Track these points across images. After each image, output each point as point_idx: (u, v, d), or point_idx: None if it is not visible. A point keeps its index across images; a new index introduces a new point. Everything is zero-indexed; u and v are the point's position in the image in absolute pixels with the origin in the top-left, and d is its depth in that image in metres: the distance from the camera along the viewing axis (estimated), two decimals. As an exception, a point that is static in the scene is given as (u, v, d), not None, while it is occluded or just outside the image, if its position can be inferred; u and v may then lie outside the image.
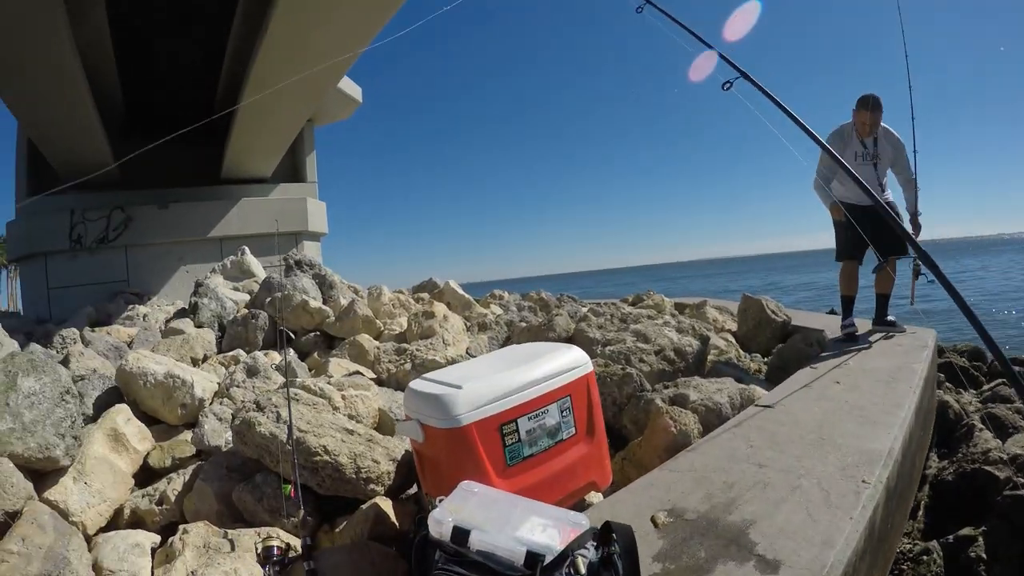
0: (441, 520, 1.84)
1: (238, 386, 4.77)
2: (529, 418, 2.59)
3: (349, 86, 16.53)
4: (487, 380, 2.59)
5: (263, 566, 2.33)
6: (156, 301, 11.18)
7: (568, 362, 2.82)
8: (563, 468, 2.68)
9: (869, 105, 5.38)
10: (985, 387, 8.17)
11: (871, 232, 4.99)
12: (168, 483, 3.57)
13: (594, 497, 3.04)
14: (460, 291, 7.80)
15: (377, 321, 6.49)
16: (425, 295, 8.11)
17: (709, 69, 3.96)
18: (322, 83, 11.72)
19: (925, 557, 3.99)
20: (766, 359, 5.73)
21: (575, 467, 2.73)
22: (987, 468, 4.59)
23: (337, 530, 2.96)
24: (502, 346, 6.09)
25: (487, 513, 1.92)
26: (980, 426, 5.75)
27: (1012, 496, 4.11)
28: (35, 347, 6.01)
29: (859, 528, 2.24)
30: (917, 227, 5.70)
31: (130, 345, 6.34)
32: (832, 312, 9.20)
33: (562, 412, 2.71)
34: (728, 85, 3.80)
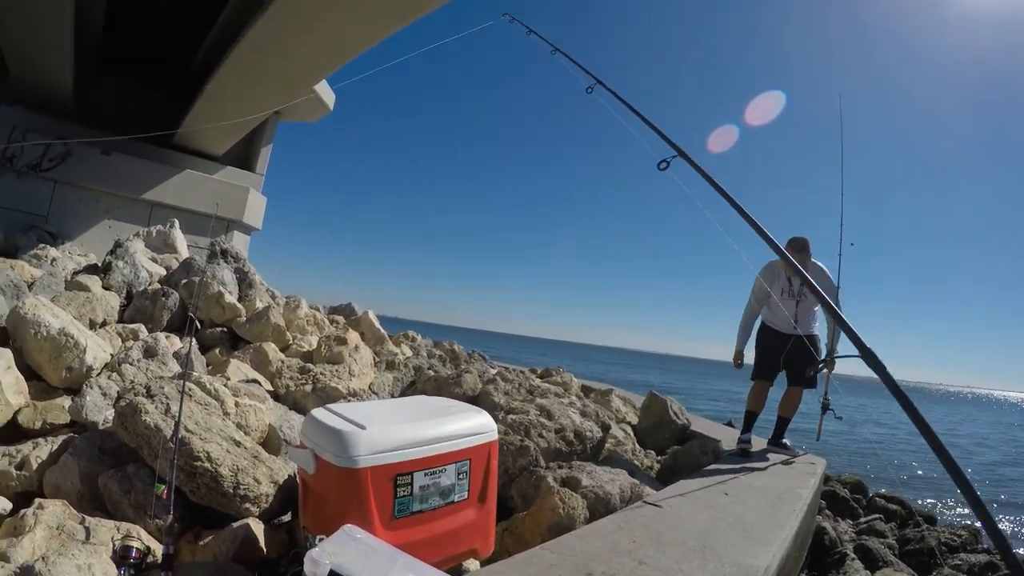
0: (318, 561, 1.80)
1: (132, 363, 4.60)
2: (426, 474, 2.57)
3: (325, 91, 16.32)
4: (392, 427, 2.56)
5: (118, 566, 2.22)
6: (70, 248, 10.63)
7: (475, 426, 2.82)
8: (449, 530, 2.66)
9: (796, 246, 5.53)
10: (862, 519, 8.49)
11: (785, 359, 5.44)
12: (34, 448, 3.41)
13: (472, 564, 3.00)
14: (377, 324, 7.65)
15: (288, 333, 6.37)
16: (340, 319, 7.97)
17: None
18: (310, 75, 11.52)
19: None
20: (660, 458, 5.78)
21: (460, 531, 2.71)
22: None
23: (202, 543, 2.86)
24: (405, 390, 6.02)
25: (366, 562, 1.89)
26: (852, 555, 5.98)
27: None
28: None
29: (732, 640, 2.25)
30: (831, 364, 5.89)
31: (30, 287, 6.00)
32: (730, 424, 9.43)
33: (459, 474, 2.69)
34: (665, 164, 3.81)
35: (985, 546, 8.91)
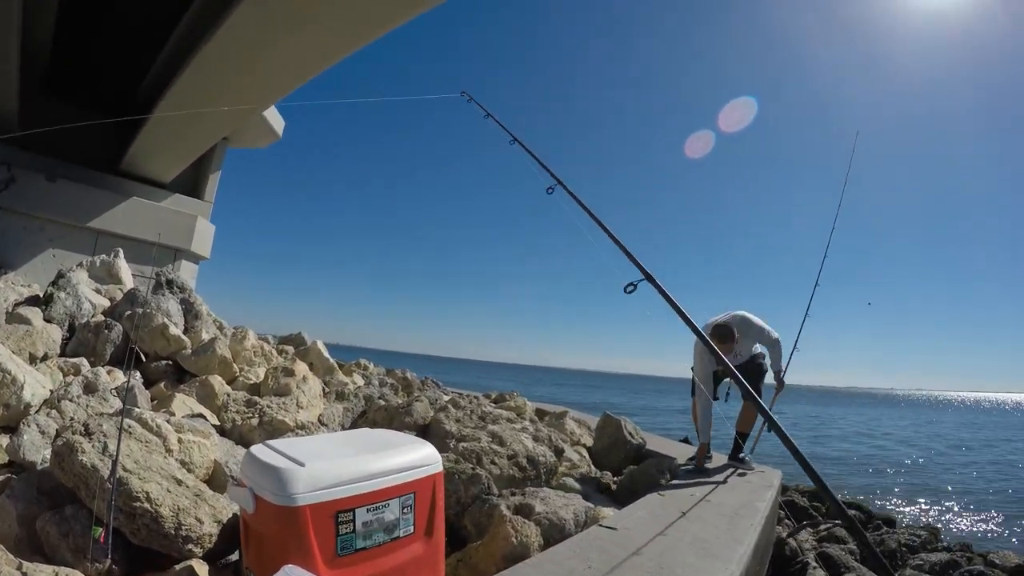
0: (260, 601, 1.73)
1: (71, 400, 4.46)
2: (368, 510, 2.50)
3: (274, 117, 16.20)
4: (332, 462, 2.49)
5: (57, 612, 2.11)
6: (12, 278, 10.36)
7: (418, 459, 2.76)
8: (394, 566, 2.60)
9: (720, 336, 5.65)
10: (822, 526, 8.57)
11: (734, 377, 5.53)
12: (-32, 489, 3.24)
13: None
14: (326, 354, 7.53)
15: (235, 365, 6.24)
16: (290, 349, 7.84)
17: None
18: (258, 101, 11.40)
19: None
20: (616, 479, 5.76)
21: (407, 567, 2.65)
22: None
23: (143, 587, 2.74)
24: (356, 420, 5.92)
25: (308, 602, 1.82)
26: (814, 564, 6.02)
27: None
28: None
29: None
30: (780, 384, 6.15)
31: (-33, 319, 5.82)
32: (686, 441, 9.48)
33: (403, 509, 2.63)
34: (632, 288, 3.73)
35: (944, 544, 9.08)
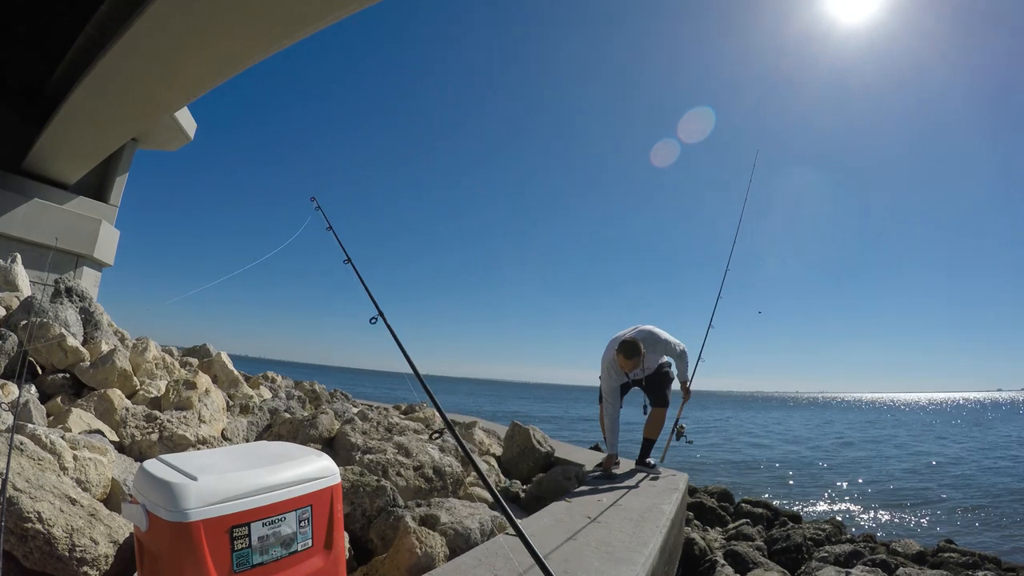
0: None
1: (-39, 417, 4.22)
2: (264, 524, 2.45)
3: (186, 118, 15.73)
4: (225, 476, 2.44)
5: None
6: (-100, 286, 9.77)
7: (314, 471, 2.71)
8: None
9: (626, 353, 5.80)
10: (730, 525, 8.81)
11: (644, 386, 6.13)
12: None
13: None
14: (230, 366, 7.35)
15: (135, 378, 6.03)
16: (194, 360, 7.63)
17: None
18: (166, 103, 11.07)
19: None
20: (526, 487, 5.82)
21: None
22: None
23: (40, 611, 2.65)
24: (261, 434, 5.83)
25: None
26: (723, 562, 6.20)
27: None
28: None
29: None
30: (687, 393, 6.38)
31: None
32: (596, 448, 9.62)
33: (300, 522, 2.59)
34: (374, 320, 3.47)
35: (849, 536, 9.47)
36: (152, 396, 5.96)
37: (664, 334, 6.14)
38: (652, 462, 6.43)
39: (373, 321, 3.24)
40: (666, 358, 6.29)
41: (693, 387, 6.32)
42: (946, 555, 8.57)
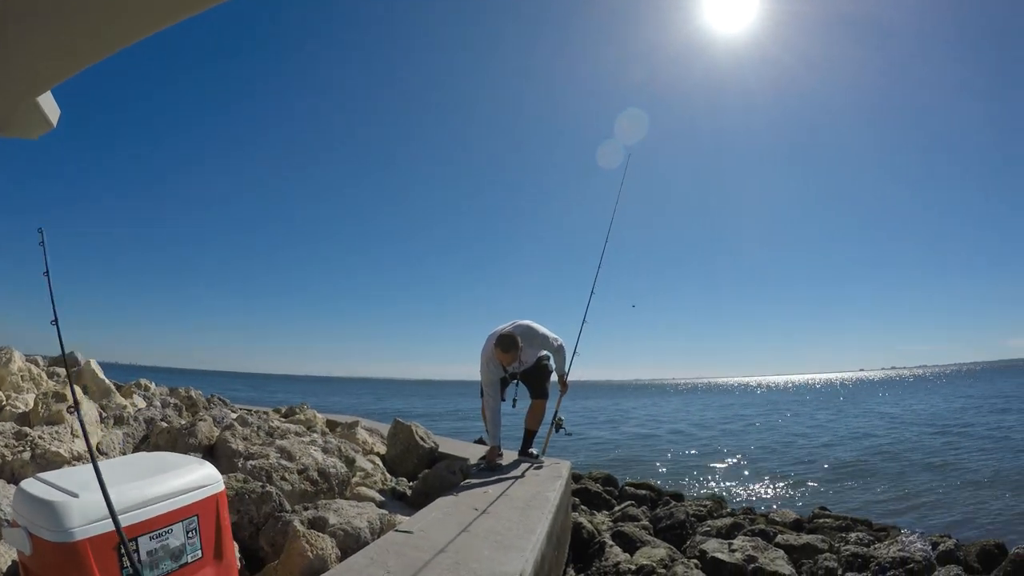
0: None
1: None
2: (151, 537, 2.41)
3: (49, 104, 14.66)
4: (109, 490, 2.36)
5: None
6: None
7: (198, 479, 2.68)
8: None
9: (503, 347, 5.93)
10: (616, 508, 9.08)
11: (523, 379, 6.26)
12: None
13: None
14: (101, 374, 6.94)
15: (0, 392, 5.65)
16: (61, 371, 7.15)
17: None
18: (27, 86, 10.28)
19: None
20: (412, 484, 5.85)
21: None
22: None
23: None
24: (139, 445, 5.59)
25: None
26: (611, 543, 6.40)
27: None
28: None
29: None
30: (565, 385, 6.55)
31: None
32: (480, 441, 9.73)
33: (188, 533, 2.55)
34: None
35: (729, 510, 9.92)
36: (20, 411, 5.58)
37: (542, 328, 6.28)
38: (535, 452, 6.57)
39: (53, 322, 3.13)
40: (544, 352, 6.43)
41: (572, 378, 6.49)
42: (821, 521, 9.05)
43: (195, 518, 2.59)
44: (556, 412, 6.62)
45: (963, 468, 16.51)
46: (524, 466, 6.11)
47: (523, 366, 6.31)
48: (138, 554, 2.36)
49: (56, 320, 2.74)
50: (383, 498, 5.06)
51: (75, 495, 2.28)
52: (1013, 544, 7.05)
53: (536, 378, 6.44)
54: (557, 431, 6.57)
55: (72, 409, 5.28)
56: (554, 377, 6.52)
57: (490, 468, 5.99)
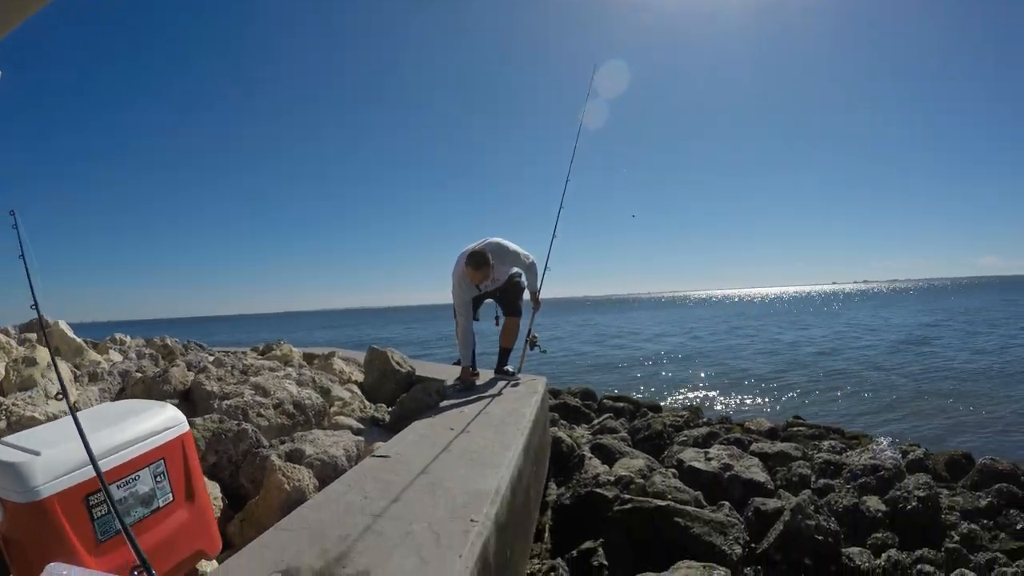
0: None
1: None
2: (119, 486, 2.40)
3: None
4: (69, 444, 2.33)
5: None
6: None
7: (160, 423, 2.65)
8: (164, 539, 2.52)
9: (475, 264, 5.91)
10: (595, 421, 9.31)
11: (496, 297, 6.35)
12: None
13: (207, 566, 2.93)
14: (71, 333, 6.86)
15: (-30, 365, 5.58)
16: (32, 335, 7.11)
17: None
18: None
19: (552, 574, 4.39)
20: (390, 409, 5.93)
21: (177, 537, 2.58)
22: (598, 490, 5.27)
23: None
24: (115, 399, 5.59)
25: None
26: (590, 455, 6.60)
27: (620, 511, 4.80)
28: None
29: (469, 564, 2.41)
30: (537, 302, 6.61)
31: None
32: (458, 363, 9.93)
33: (156, 477, 2.55)
34: None
35: (705, 420, 10.23)
36: (-9, 382, 5.53)
37: (512, 245, 6.28)
38: (510, 369, 6.73)
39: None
40: (516, 269, 6.46)
41: (548, 295, 6.55)
42: (795, 429, 9.39)
43: (162, 462, 2.59)
44: (530, 330, 6.66)
45: (930, 381, 17.21)
46: (500, 384, 6.20)
47: (496, 284, 6.33)
48: (110, 502, 2.37)
49: (36, 304, 2.74)
50: (361, 426, 5.12)
51: (37, 453, 2.26)
52: (980, 454, 7.43)
53: (509, 296, 6.54)
54: (532, 348, 6.64)
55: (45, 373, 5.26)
56: (527, 295, 6.57)
57: (466, 388, 6.08)
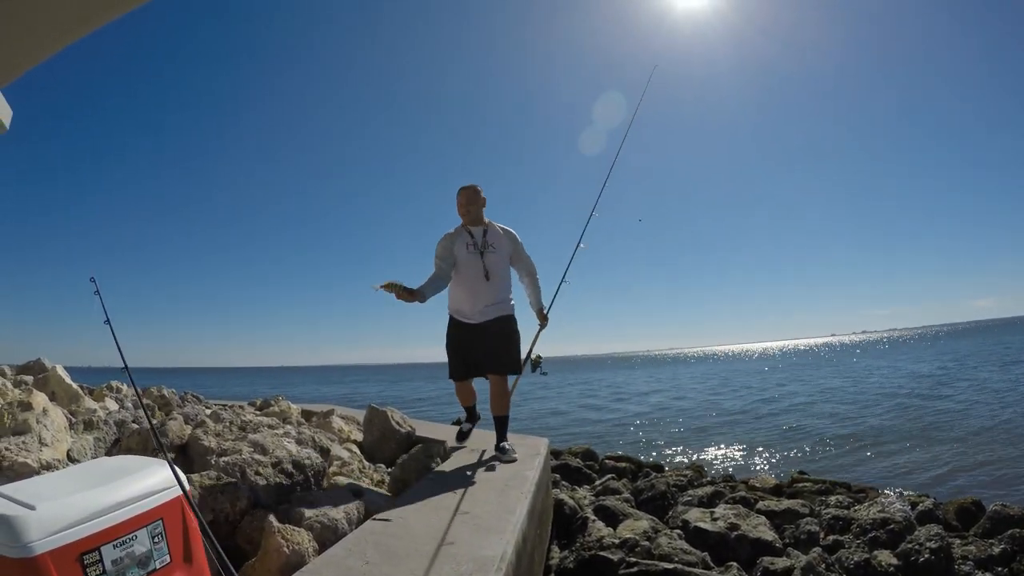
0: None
1: None
2: (115, 545, 2.33)
3: (0, 105, 14.23)
4: (65, 500, 2.28)
5: None
6: None
7: (160, 482, 2.58)
8: None
9: (466, 197, 5.45)
10: (597, 482, 9.15)
11: (484, 349, 5.50)
12: None
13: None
14: (67, 379, 6.73)
15: (-36, 407, 5.49)
16: (29, 379, 6.97)
17: None
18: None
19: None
20: (390, 470, 5.78)
21: None
22: (602, 554, 5.17)
23: None
24: (111, 449, 5.49)
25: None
26: (593, 517, 6.44)
27: (626, 574, 4.65)
28: None
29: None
30: (544, 320, 5.91)
31: None
32: (458, 423, 9.83)
33: (153, 538, 2.47)
34: None
35: (709, 479, 10.06)
36: (-16, 424, 5.42)
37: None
38: (507, 446, 5.64)
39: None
40: (512, 303, 5.70)
41: (548, 352, 6.24)
42: (800, 485, 9.16)
43: (160, 522, 2.52)
44: (532, 348, 5.95)
45: (936, 428, 17.08)
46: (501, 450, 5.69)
47: (493, 251, 5.50)
48: (103, 564, 2.28)
49: (127, 367, 2.86)
50: (362, 487, 5.02)
51: (32, 507, 2.20)
52: (989, 501, 7.27)
53: (499, 344, 5.54)
54: (533, 370, 6.17)
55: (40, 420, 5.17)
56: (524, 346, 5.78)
57: (459, 439, 6.01)
